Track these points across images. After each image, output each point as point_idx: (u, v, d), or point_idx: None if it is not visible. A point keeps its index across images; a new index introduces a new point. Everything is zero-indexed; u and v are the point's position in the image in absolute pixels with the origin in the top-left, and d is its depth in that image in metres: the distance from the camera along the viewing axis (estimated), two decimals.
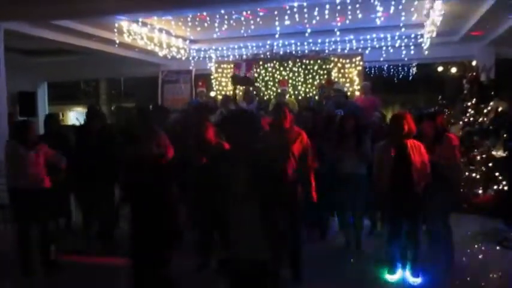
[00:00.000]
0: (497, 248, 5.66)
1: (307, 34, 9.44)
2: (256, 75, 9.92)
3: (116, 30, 8.64)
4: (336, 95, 7.73)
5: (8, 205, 6.23)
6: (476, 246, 5.72)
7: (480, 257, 5.40)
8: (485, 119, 8.09)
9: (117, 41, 9.03)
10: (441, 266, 4.70)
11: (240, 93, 9.45)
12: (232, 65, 10.22)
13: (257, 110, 8.22)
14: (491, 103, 8.21)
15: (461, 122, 8.31)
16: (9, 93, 8.07)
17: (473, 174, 7.69)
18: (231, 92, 10.15)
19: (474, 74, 8.56)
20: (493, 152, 7.84)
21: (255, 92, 9.42)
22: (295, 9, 7.96)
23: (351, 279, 4.75)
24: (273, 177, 2.84)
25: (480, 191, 7.58)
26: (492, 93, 8.24)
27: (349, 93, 9.12)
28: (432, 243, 4.82)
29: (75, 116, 15.78)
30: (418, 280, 4.52)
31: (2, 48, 7.30)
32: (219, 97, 9.97)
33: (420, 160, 4.35)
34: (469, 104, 8.35)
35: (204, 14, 8.36)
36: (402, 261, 4.65)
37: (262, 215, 2.75)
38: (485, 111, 8.13)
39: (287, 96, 9.13)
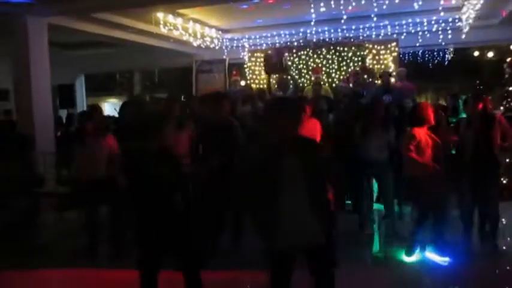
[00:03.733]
0: None
1: (342, 21, 9.34)
2: (289, 63, 9.91)
3: (152, 21, 8.79)
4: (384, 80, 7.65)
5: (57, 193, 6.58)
6: None
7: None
8: None
9: (154, 32, 9.19)
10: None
11: (274, 81, 9.48)
12: (264, 53, 10.25)
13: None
14: None
15: (501, 107, 8.13)
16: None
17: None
18: (265, 81, 10.23)
19: None
20: None
21: (290, 80, 9.43)
22: None
23: (370, 261, 4.81)
24: (324, 162, 2.90)
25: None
26: None
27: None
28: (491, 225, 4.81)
29: (111, 107, 16.14)
30: (446, 259, 4.53)
31: (47, 43, 7.56)
32: (253, 86, 10.03)
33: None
34: (510, 88, 8.16)
35: (238, 3, 8.41)
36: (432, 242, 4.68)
37: (315, 199, 2.79)
38: None
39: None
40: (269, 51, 9.98)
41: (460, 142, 4.88)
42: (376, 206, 6.04)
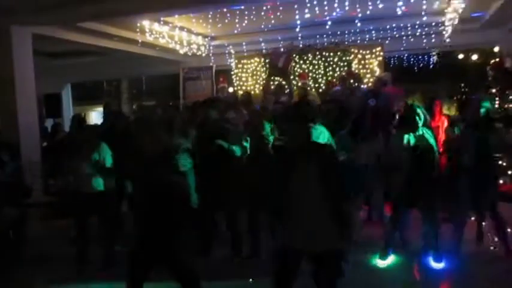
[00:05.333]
0: None
1: (327, 26, 9.42)
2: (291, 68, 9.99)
3: (138, 29, 8.79)
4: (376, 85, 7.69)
5: (44, 203, 6.52)
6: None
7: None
8: (510, 105, 8.00)
9: (140, 40, 9.18)
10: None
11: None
12: (252, 60, 10.32)
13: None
14: None
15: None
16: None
17: (500, 162, 7.61)
18: (256, 86, 10.29)
19: (498, 60, 8.46)
20: None
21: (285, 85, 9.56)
22: (315, 2, 7.98)
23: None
24: (340, 167, 3.03)
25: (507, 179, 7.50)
26: None
27: (369, 84, 9.11)
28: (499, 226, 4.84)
29: (98, 115, 16.07)
30: (440, 265, 4.57)
31: (31, 53, 7.51)
32: (240, 92, 10.07)
33: None
34: (494, 91, 8.27)
35: (224, 10, 8.44)
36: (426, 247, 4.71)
37: (334, 204, 2.84)
38: (510, 97, 8.04)
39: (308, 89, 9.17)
40: (274, 53, 10.05)
41: (458, 145, 4.89)
42: None
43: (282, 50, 10.11)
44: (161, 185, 3.25)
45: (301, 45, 10.33)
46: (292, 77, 9.84)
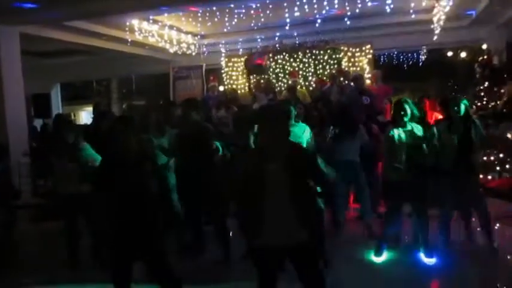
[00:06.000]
0: None
1: (317, 24, 9.44)
2: (268, 65, 9.99)
3: (127, 28, 8.74)
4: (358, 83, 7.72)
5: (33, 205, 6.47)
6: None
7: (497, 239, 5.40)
8: (498, 102, 8.08)
9: (129, 40, 9.13)
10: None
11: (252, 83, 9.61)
12: (242, 58, 10.31)
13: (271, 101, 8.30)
14: (505, 86, 8.19)
15: (474, 107, 8.30)
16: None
17: (487, 158, 7.69)
18: (243, 85, 10.30)
19: (486, 57, 8.54)
20: (508, 135, 7.83)
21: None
22: (304, 0, 8.00)
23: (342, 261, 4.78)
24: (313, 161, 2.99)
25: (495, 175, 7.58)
26: (505, 76, 8.21)
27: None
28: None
29: (88, 115, 15.97)
30: (432, 260, 4.59)
31: (19, 52, 7.44)
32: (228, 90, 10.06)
33: None
34: (482, 88, 8.35)
35: (214, 8, 8.42)
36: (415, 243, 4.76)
37: (301, 200, 2.85)
38: (498, 94, 8.13)
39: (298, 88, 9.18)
40: (249, 54, 10.06)
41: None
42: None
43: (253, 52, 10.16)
44: (135, 185, 3.24)
45: (290, 44, 10.34)
46: (271, 76, 9.88)
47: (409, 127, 4.50)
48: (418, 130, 4.54)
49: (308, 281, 2.93)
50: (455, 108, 4.64)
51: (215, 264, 4.81)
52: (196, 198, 4.84)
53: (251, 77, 9.98)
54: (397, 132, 4.48)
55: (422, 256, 4.65)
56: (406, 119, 4.48)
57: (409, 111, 4.48)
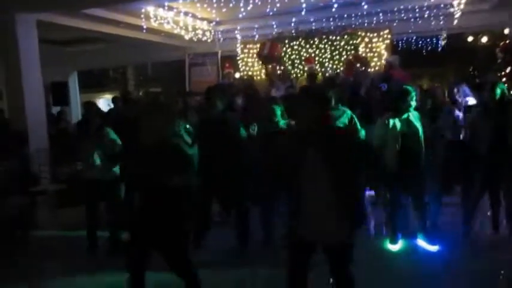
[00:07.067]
0: None
1: (333, 9, 9.28)
2: (282, 54, 9.90)
3: (142, 15, 8.73)
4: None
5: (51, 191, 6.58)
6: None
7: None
8: None
9: (145, 26, 9.13)
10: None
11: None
12: (258, 45, 10.24)
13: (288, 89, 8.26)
14: None
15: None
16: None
17: None
18: (258, 72, 10.24)
19: (508, 42, 8.31)
20: None
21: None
22: None
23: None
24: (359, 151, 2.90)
25: None
26: None
27: (377, 68, 9.02)
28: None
29: (105, 102, 16.08)
30: (435, 248, 4.57)
31: (36, 40, 7.49)
32: (245, 77, 10.04)
33: None
34: (503, 73, 8.15)
35: None
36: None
37: (342, 195, 2.67)
38: None
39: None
40: (261, 42, 9.98)
41: (473, 130, 4.78)
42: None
43: (268, 38, 10.04)
44: (158, 177, 3.15)
45: (306, 29, 10.22)
46: (287, 63, 9.78)
47: (405, 115, 4.43)
48: (415, 118, 4.47)
49: (341, 276, 2.86)
50: (492, 93, 4.52)
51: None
52: (216, 187, 4.83)
53: (269, 66, 9.91)
54: (393, 121, 4.42)
55: (422, 243, 4.62)
56: (410, 109, 4.43)
57: (414, 103, 4.43)
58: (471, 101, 5.87)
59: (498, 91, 4.50)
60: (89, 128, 5.09)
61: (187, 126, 4.94)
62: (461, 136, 5.04)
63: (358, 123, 5.05)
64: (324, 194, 2.66)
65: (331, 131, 2.82)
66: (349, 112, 5.03)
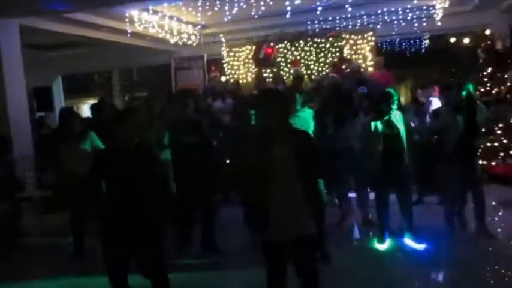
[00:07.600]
0: None
1: (318, 12, 9.34)
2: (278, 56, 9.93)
3: (127, 19, 8.68)
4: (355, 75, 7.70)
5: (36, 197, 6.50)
6: (496, 215, 5.72)
7: (501, 225, 5.40)
8: (502, 87, 8.02)
9: (129, 31, 9.08)
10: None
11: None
12: (243, 48, 10.26)
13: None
14: (508, 72, 8.12)
15: (477, 92, 8.24)
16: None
17: (491, 144, 7.66)
18: (248, 75, 10.25)
19: (489, 42, 8.45)
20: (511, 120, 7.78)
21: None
22: None
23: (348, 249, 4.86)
24: (315, 150, 2.92)
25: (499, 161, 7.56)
26: (509, 61, 8.14)
27: (362, 70, 9.07)
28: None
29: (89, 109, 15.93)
30: (421, 246, 4.62)
31: (19, 45, 7.41)
32: (231, 81, 10.03)
33: None
34: (485, 73, 8.28)
35: None
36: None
37: (306, 190, 2.76)
38: (502, 79, 8.06)
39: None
40: (257, 45, 10.00)
41: (441, 129, 4.89)
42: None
43: (263, 40, 10.06)
44: (134, 178, 3.21)
45: (292, 32, 10.25)
46: (282, 65, 9.81)
47: (386, 117, 4.53)
48: (396, 119, 4.56)
49: (306, 275, 2.86)
50: (459, 93, 4.65)
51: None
52: (191, 189, 4.82)
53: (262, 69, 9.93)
54: (374, 124, 4.53)
55: (409, 242, 4.66)
56: (392, 112, 4.51)
57: (395, 106, 4.54)
58: (436, 103, 6.00)
59: (464, 92, 4.64)
60: (69, 132, 5.05)
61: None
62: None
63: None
64: (290, 193, 2.74)
65: (294, 130, 2.93)
66: (310, 119, 5.05)
